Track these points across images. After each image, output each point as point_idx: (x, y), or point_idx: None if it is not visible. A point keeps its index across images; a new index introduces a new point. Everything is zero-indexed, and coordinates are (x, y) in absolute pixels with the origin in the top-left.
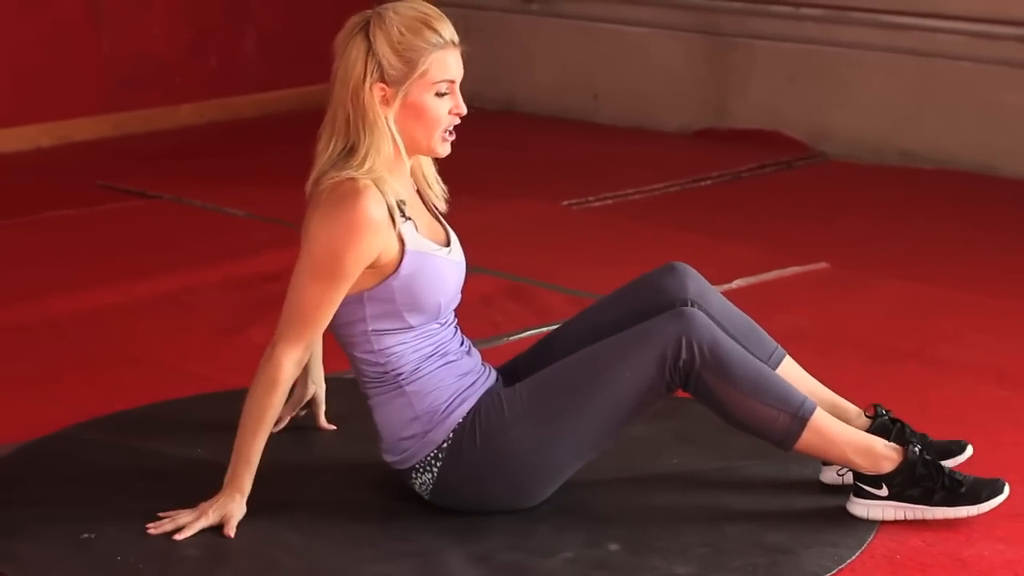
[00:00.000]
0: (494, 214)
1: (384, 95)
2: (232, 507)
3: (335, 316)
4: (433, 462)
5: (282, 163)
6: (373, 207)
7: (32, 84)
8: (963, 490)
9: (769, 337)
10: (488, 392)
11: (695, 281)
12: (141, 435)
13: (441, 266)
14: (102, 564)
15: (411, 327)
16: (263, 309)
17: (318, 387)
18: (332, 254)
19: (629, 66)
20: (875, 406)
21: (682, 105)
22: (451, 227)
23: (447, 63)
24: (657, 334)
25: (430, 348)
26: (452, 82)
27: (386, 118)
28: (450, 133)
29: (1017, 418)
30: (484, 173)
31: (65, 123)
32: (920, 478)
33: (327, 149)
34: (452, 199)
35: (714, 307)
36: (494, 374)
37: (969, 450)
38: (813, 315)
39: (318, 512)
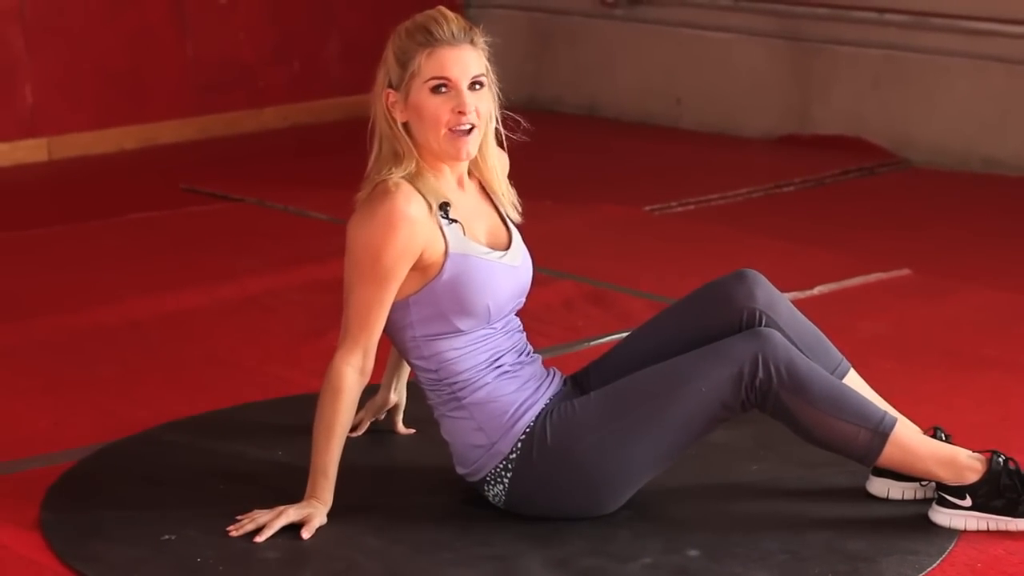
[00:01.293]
0: (577, 219)
1: (394, 101)
2: (312, 511)
3: (387, 324)
4: (503, 473)
5: (364, 167)
6: (406, 203)
7: (117, 87)
8: None
9: (835, 349)
10: (555, 399)
11: (764, 290)
12: (222, 437)
13: (489, 269)
14: (182, 566)
15: (460, 332)
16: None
17: (400, 397)
18: (371, 255)
19: (712, 71)
20: (935, 428)
21: (765, 111)
22: (521, 232)
23: (440, 60)
24: (734, 353)
25: (485, 355)
26: (447, 79)
27: (396, 123)
28: (460, 132)
29: None
30: (567, 177)
31: (149, 126)
32: (1004, 489)
33: (371, 159)
34: (535, 203)
35: (783, 317)
36: (559, 379)
37: None
38: (895, 322)
39: (397, 516)
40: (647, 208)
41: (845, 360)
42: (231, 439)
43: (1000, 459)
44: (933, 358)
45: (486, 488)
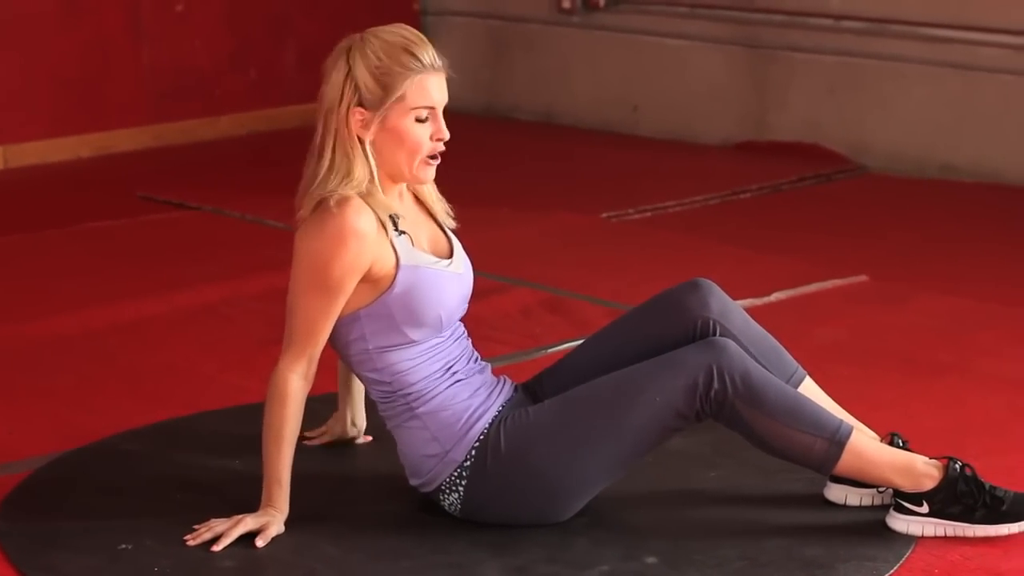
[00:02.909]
0: (534, 226)
1: (363, 120)
2: (269, 520)
3: (335, 338)
4: (458, 481)
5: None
6: (358, 217)
7: (73, 95)
8: (1004, 507)
9: (791, 357)
10: (507, 406)
11: (718, 299)
12: (180, 446)
13: (439, 278)
14: (139, 575)
15: (413, 342)
16: None
17: (359, 430)
18: (320, 266)
19: (669, 78)
20: (892, 435)
21: (722, 118)
22: (459, 240)
23: (426, 88)
24: (688, 363)
25: (438, 365)
26: (432, 108)
27: (363, 142)
28: (433, 158)
29: None
30: (524, 185)
31: (105, 134)
32: (961, 495)
33: (310, 172)
34: (491, 211)
35: (736, 326)
36: (509, 386)
37: None
38: (853, 328)
39: (354, 524)
40: (604, 215)
41: (801, 368)
42: (188, 448)
43: (957, 466)
44: (890, 364)
45: (441, 497)
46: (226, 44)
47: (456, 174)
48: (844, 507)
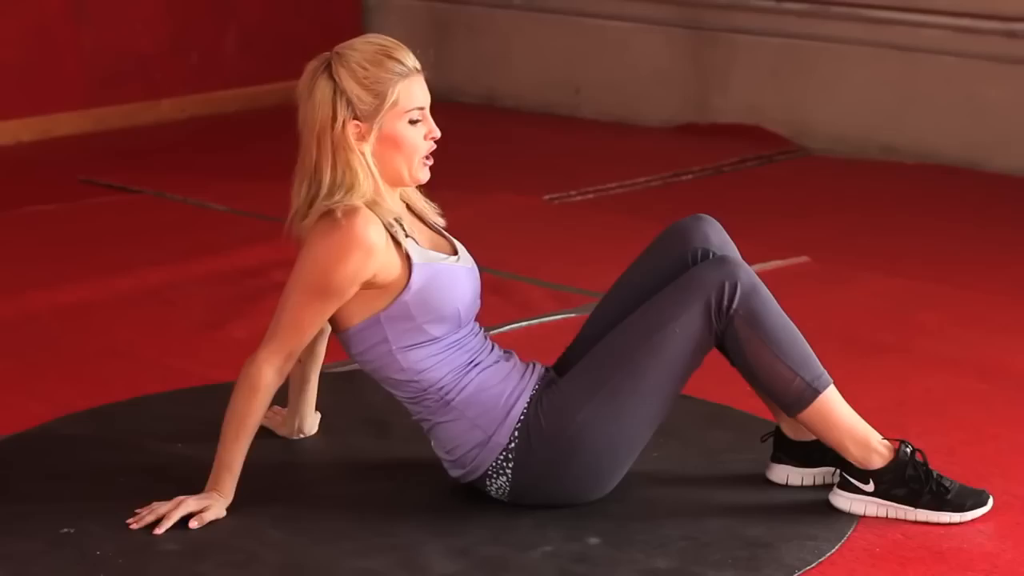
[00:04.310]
0: (475, 209)
1: (359, 131)
2: (211, 503)
3: (357, 346)
4: (504, 464)
5: (263, 158)
6: (367, 228)
7: (13, 79)
8: (949, 496)
9: None
10: (542, 385)
11: (718, 235)
12: (121, 430)
13: (453, 273)
14: (81, 559)
15: (435, 339)
16: (244, 304)
17: (312, 427)
18: (323, 269)
19: (611, 61)
20: None
21: (664, 100)
22: (455, 237)
23: (414, 91)
24: (699, 283)
25: (464, 358)
26: (422, 108)
27: (363, 153)
28: (428, 158)
29: (997, 412)
30: (465, 168)
31: (46, 118)
32: (908, 479)
33: (302, 192)
34: (433, 193)
35: None
36: (541, 368)
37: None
38: (794, 309)
39: (297, 507)
40: (546, 197)
41: None
42: (131, 432)
43: (908, 449)
44: (831, 344)
45: (488, 483)
46: (167, 28)
47: None
48: (786, 487)
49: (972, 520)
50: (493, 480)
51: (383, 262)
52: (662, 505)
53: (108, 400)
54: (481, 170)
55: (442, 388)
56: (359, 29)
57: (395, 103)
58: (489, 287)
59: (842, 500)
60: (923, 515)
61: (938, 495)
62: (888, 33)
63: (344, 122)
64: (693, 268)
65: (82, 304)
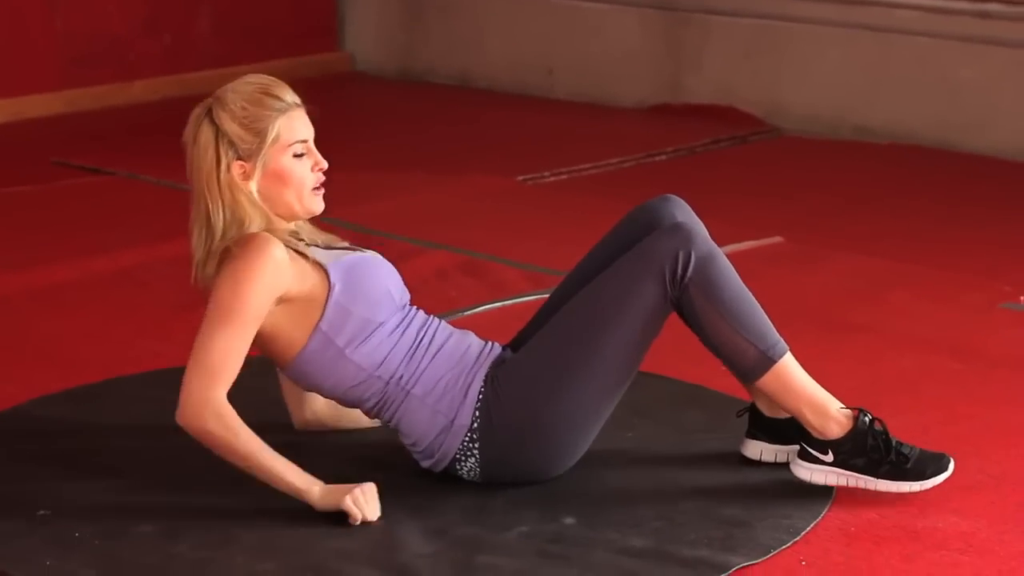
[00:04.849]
0: (449, 189)
1: (244, 170)
2: (336, 494)
3: (310, 367)
4: (471, 446)
5: None
6: (266, 243)
7: None
8: (909, 465)
9: None
10: (498, 360)
11: (685, 214)
12: (96, 411)
13: (367, 260)
14: (58, 540)
15: (379, 324)
16: None
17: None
18: (235, 294)
19: (584, 41)
20: None
21: (637, 80)
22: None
23: (295, 125)
24: (654, 252)
25: (411, 338)
26: (305, 141)
27: (249, 193)
28: (319, 189)
29: (970, 391)
30: (438, 149)
31: (18, 100)
32: (868, 448)
33: (201, 241)
34: (406, 174)
35: None
36: (498, 347)
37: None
38: (767, 289)
39: (273, 488)
40: (520, 178)
41: None
42: (104, 413)
43: (867, 418)
44: (805, 324)
45: (458, 467)
46: (140, 9)
47: (371, 138)
48: (760, 465)
49: (947, 500)
50: (463, 464)
51: (293, 273)
52: (637, 485)
53: (82, 382)
54: (455, 151)
55: (400, 377)
56: (332, 10)
57: (276, 139)
58: (463, 268)
59: (802, 470)
60: (883, 485)
61: (898, 464)
62: (861, 14)
63: (229, 164)
64: (647, 237)
65: (55, 286)
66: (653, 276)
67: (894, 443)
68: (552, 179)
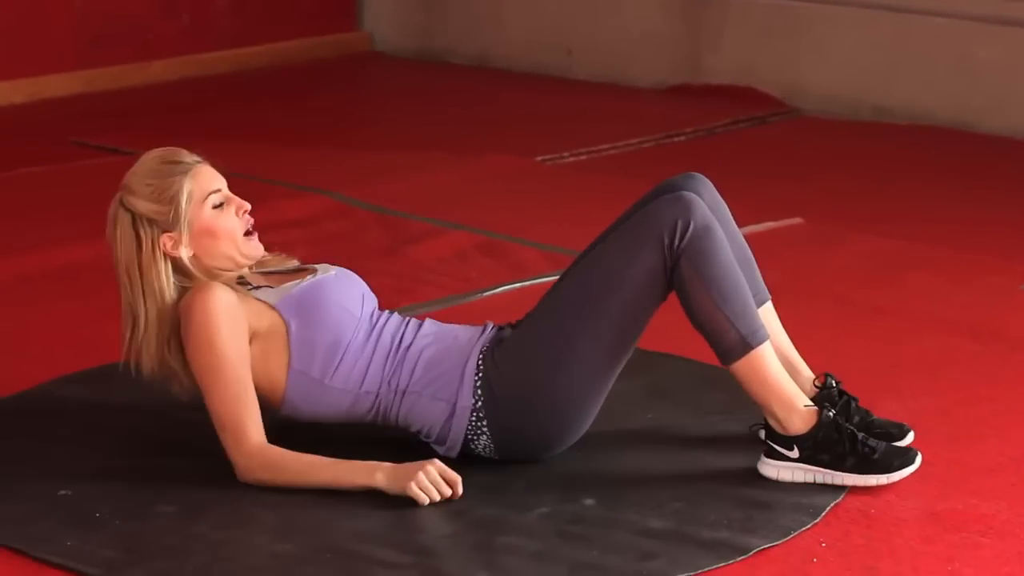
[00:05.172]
0: (468, 170)
1: (173, 241)
2: (402, 480)
3: (300, 404)
4: (479, 424)
5: (254, 119)
6: (213, 290)
7: (3, 41)
8: (876, 457)
9: (760, 278)
10: (496, 340)
11: (710, 193)
12: (116, 390)
13: (313, 286)
14: (79, 520)
15: (348, 342)
16: None
17: None
18: (211, 348)
19: (603, 22)
20: (826, 375)
21: (656, 61)
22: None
23: (203, 180)
24: (653, 220)
25: (387, 344)
26: (219, 191)
27: (183, 259)
28: (250, 233)
29: (991, 373)
30: (457, 129)
31: (37, 80)
32: (832, 443)
33: (139, 333)
34: (425, 154)
35: (720, 223)
36: (492, 328)
37: (910, 436)
38: (787, 270)
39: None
40: (539, 159)
41: (766, 290)
42: (125, 392)
43: (830, 414)
44: (825, 306)
45: (473, 447)
46: None
47: (390, 118)
48: None
49: (966, 482)
50: (476, 443)
51: (247, 309)
52: (656, 466)
53: (101, 361)
54: (473, 131)
55: (388, 383)
56: None
57: (190, 198)
58: (482, 249)
59: (769, 468)
60: (850, 479)
61: (864, 457)
62: None
63: (153, 242)
64: (648, 205)
65: (74, 265)
66: (652, 243)
67: (859, 437)
68: (571, 159)
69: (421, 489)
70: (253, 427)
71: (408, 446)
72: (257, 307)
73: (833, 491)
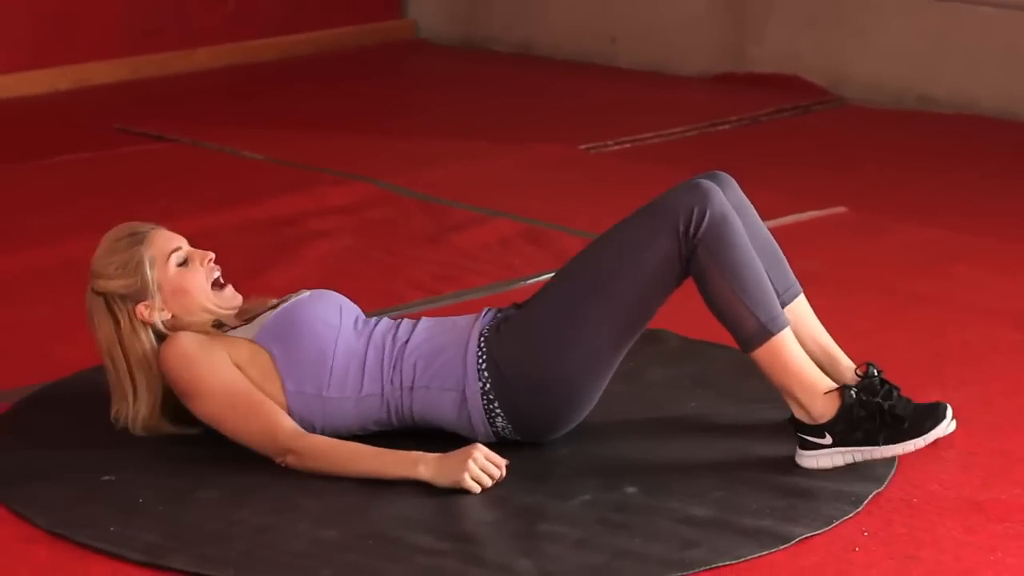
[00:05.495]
0: (512, 157)
1: (148, 308)
2: (453, 473)
3: (307, 417)
4: (492, 407)
5: (299, 106)
6: (180, 340)
7: (50, 28)
8: (906, 425)
9: (791, 272)
10: (496, 322)
11: (734, 193)
12: None
13: (287, 308)
14: (122, 505)
15: (332, 351)
16: (280, 253)
17: None
18: (208, 388)
19: (648, 10)
20: (868, 364)
21: (701, 49)
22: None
23: (160, 242)
24: (669, 207)
25: (379, 346)
26: (179, 248)
27: (160, 324)
28: (221, 283)
29: None
30: (502, 118)
31: (82, 66)
32: (860, 420)
33: (132, 398)
34: (470, 143)
35: (746, 221)
36: (491, 312)
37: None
38: (831, 259)
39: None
40: (582, 147)
41: (798, 285)
42: None
43: (852, 392)
44: (868, 295)
45: (495, 430)
46: None
47: (434, 106)
48: None
49: (1009, 472)
50: (494, 425)
51: (223, 345)
52: (698, 455)
53: None
54: (518, 120)
55: (392, 381)
56: None
57: (153, 262)
58: (525, 236)
59: (808, 459)
60: (889, 451)
61: (894, 427)
62: None
63: (129, 315)
64: (666, 192)
65: None
66: (667, 230)
67: (884, 406)
68: (615, 148)
69: (475, 479)
70: (279, 421)
71: (445, 433)
72: (234, 342)
73: (875, 480)
